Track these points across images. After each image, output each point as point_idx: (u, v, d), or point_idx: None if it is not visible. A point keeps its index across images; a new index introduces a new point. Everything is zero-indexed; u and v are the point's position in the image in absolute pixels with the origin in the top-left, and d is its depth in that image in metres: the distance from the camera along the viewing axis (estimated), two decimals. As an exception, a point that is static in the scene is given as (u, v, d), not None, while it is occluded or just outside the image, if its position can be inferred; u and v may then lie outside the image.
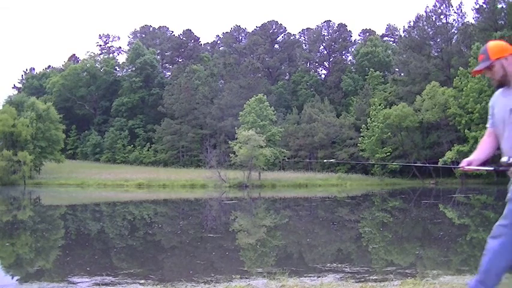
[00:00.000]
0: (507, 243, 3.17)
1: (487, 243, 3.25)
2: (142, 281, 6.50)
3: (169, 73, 78.00)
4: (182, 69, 67.89)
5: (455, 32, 55.51)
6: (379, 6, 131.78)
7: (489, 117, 3.50)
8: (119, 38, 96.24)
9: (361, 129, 51.80)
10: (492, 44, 3.34)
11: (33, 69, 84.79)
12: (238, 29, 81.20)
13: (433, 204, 22.86)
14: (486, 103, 42.39)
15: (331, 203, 26.73)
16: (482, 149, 3.50)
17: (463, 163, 3.44)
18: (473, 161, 3.43)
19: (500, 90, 3.35)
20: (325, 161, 49.85)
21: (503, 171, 3.23)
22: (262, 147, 43.51)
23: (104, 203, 27.48)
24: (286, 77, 75.58)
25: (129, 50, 78.19)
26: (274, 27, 78.11)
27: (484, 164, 3.43)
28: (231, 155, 44.86)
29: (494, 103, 3.43)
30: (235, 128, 48.14)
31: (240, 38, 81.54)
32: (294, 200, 29.01)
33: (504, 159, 3.21)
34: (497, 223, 3.25)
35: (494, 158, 3.40)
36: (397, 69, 65.09)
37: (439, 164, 41.68)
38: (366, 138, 49.97)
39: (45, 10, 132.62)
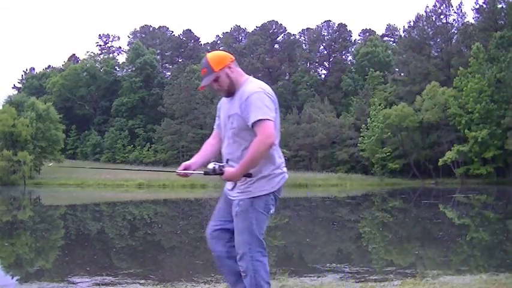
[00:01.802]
0: None
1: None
2: (142, 281, 6.50)
3: (169, 73, 78.01)
4: (182, 69, 67.90)
5: (455, 32, 55.56)
6: (379, 6, 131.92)
7: (216, 118, 3.51)
8: (118, 38, 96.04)
9: (361, 129, 51.81)
10: (212, 56, 3.31)
11: (33, 69, 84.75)
12: (238, 29, 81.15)
13: (433, 204, 22.85)
14: (486, 103, 42.92)
15: (331, 203, 26.73)
16: (203, 153, 3.48)
17: (181, 166, 3.39)
18: (192, 164, 3.39)
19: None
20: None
21: (213, 175, 3.21)
22: (262, 147, 43.47)
23: (104, 203, 27.48)
24: (286, 77, 75.56)
25: (129, 50, 78.18)
26: (274, 27, 78.07)
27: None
28: (231, 155, 44.82)
29: (220, 107, 3.45)
30: (235, 128, 48.13)
31: (240, 38, 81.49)
32: (294, 200, 29.01)
33: (210, 166, 3.20)
34: None
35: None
36: (397, 69, 65.09)
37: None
38: (366, 138, 49.98)
39: (45, 10, 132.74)
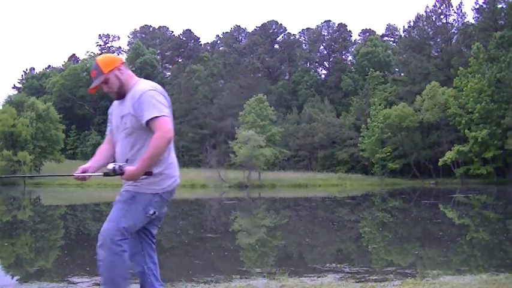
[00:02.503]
0: None
1: None
2: (142, 281, 6.48)
3: (169, 73, 78.00)
4: (182, 69, 67.89)
5: (455, 32, 55.61)
6: (379, 6, 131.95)
7: (108, 124, 3.51)
8: (118, 38, 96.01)
9: (361, 129, 51.83)
10: (101, 58, 3.32)
11: (33, 69, 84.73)
12: (238, 29, 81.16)
13: (433, 204, 22.85)
14: (486, 103, 42.96)
15: (331, 203, 26.73)
16: (99, 157, 3.49)
17: (78, 170, 3.40)
18: (89, 168, 3.41)
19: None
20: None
21: (113, 175, 3.20)
22: (262, 147, 43.51)
23: (104, 203, 27.45)
24: (286, 77, 75.59)
25: (129, 50, 78.21)
26: (274, 27, 78.09)
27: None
28: (231, 155, 44.83)
29: (112, 111, 3.45)
30: (235, 128, 48.15)
31: (240, 38, 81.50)
32: (294, 200, 29.01)
33: (110, 166, 3.20)
34: None
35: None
36: (397, 69, 65.13)
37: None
38: (366, 138, 49.99)
39: (45, 10, 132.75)
